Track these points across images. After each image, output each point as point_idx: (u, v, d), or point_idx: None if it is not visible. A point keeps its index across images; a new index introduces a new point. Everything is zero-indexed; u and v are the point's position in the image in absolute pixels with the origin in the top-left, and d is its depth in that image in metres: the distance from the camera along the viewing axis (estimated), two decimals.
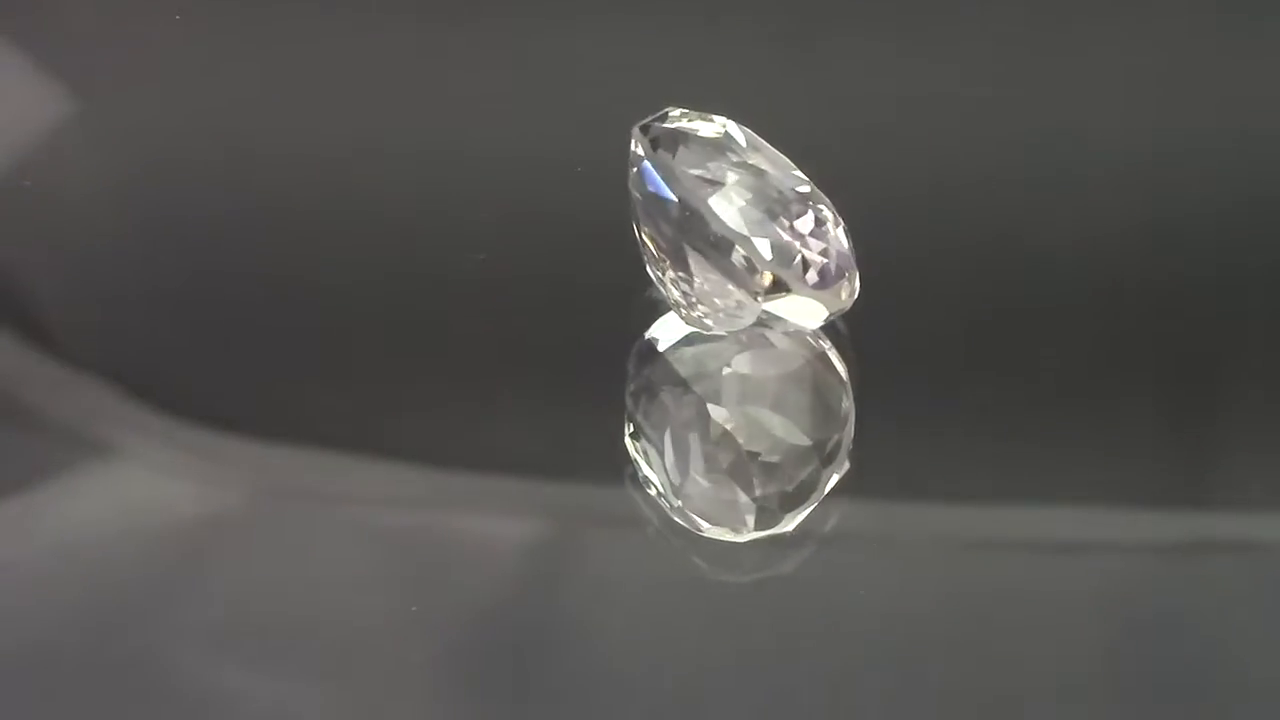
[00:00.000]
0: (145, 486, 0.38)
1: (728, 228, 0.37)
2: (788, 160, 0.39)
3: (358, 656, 0.34)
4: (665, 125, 0.39)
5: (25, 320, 0.42)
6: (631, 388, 0.39)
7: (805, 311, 0.38)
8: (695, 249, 0.38)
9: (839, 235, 0.38)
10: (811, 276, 0.37)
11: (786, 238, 0.37)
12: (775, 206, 0.38)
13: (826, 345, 0.39)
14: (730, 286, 0.38)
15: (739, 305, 0.38)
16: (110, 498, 0.38)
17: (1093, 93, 0.49)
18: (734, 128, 0.39)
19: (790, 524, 0.36)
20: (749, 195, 0.38)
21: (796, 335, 0.39)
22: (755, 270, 0.37)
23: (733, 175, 0.38)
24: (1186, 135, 0.47)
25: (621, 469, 0.38)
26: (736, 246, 0.37)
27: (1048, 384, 0.40)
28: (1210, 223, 0.44)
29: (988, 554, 0.37)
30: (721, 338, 0.39)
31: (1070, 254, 0.43)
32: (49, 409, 0.40)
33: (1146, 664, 0.35)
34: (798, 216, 0.37)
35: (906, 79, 0.49)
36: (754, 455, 0.37)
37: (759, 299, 0.38)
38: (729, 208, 0.37)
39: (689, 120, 0.39)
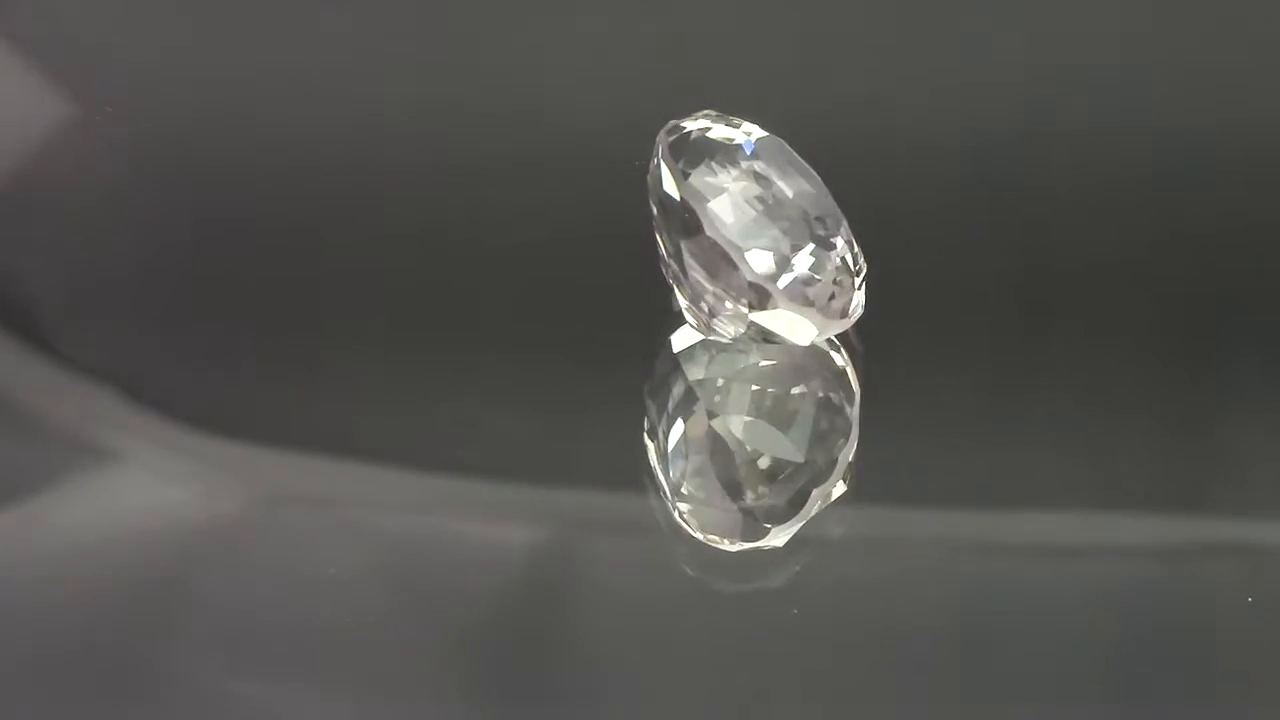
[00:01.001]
0: (144, 491, 0.39)
1: (721, 235, 0.37)
2: (816, 177, 0.38)
3: (358, 661, 0.34)
4: (693, 127, 0.39)
5: (24, 324, 0.42)
6: (648, 387, 0.39)
7: (795, 328, 0.38)
8: (692, 254, 0.38)
9: (845, 258, 0.38)
10: (798, 294, 0.37)
11: (780, 253, 0.37)
12: (779, 221, 0.37)
13: (844, 363, 0.39)
14: (722, 294, 0.38)
15: (732, 314, 0.38)
16: (109, 502, 0.38)
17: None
18: (764, 137, 0.39)
19: (779, 539, 0.36)
20: (756, 206, 0.38)
21: (816, 351, 0.39)
22: (744, 281, 0.37)
23: (743, 185, 0.38)
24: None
25: (636, 470, 0.38)
26: (729, 255, 0.37)
27: (1059, 406, 0.40)
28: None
29: (986, 576, 0.37)
30: (741, 346, 0.39)
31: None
32: (47, 413, 0.40)
33: (1148, 669, 0.35)
34: (800, 234, 0.37)
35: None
36: (749, 467, 0.37)
37: (746, 310, 0.37)
38: (728, 217, 0.37)
39: (721, 125, 0.39)
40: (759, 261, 0.37)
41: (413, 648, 0.35)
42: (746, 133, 0.39)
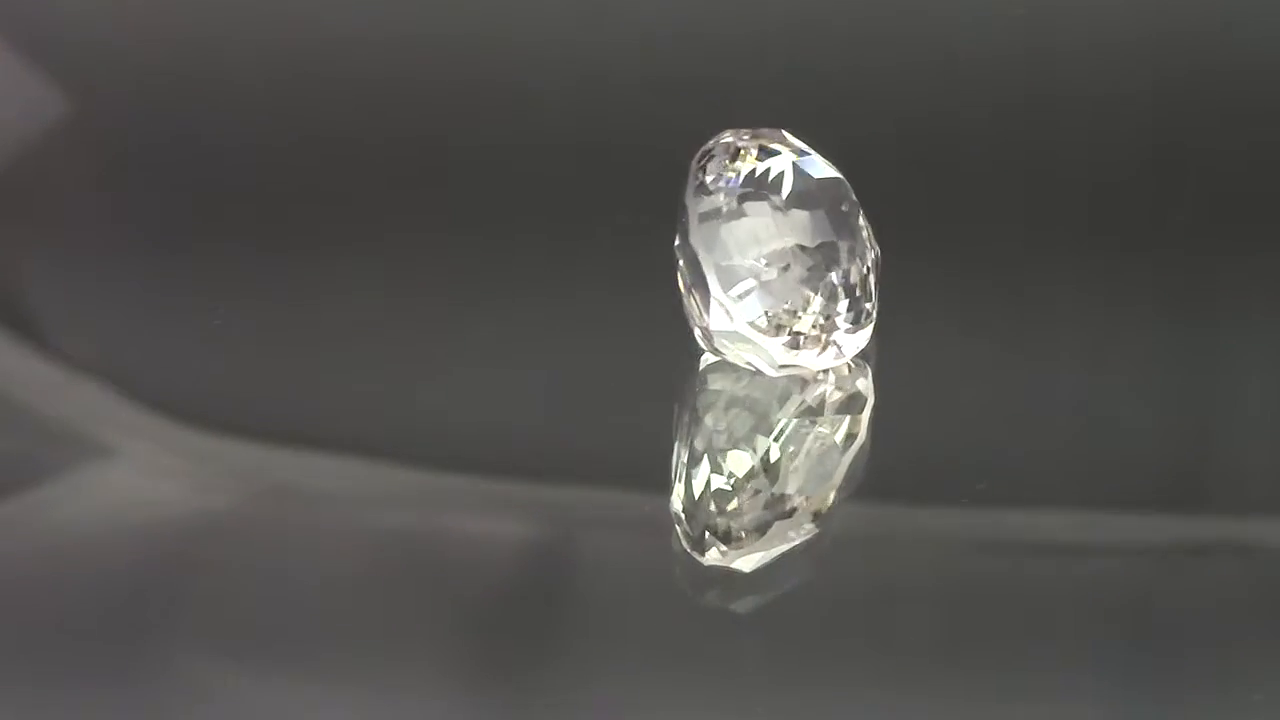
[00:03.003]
0: (141, 487, 0.38)
1: (702, 246, 0.37)
2: (856, 223, 0.38)
3: (356, 658, 0.34)
4: (740, 143, 0.38)
5: (21, 321, 0.42)
6: (677, 396, 0.39)
7: (754, 354, 0.38)
8: (684, 259, 0.38)
9: (834, 303, 0.37)
10: (759, 321, 0.37)
11: (752, 279, 0.37)
12: (774, 254, 0.37)
13: (865, 404, 0.39)
14: (699, 307, 0.38)
15: (705, 330, 0.38)
16: (106, 498, 0.38)
17: None
18: (819, 177, 0.38)
19: (746, 564, 0.36)
20: (754, 232, 0.37)
21: (844, 387, 0.39)
22: (709, 296, 0.37)
23: (755, 211, 0.37)
24: None
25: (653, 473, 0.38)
26: (702, 267, 0.37)
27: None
28: None
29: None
30: (765, 370, 0.39)
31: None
32: (44, 410, 0.41)
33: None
34: (790, 269, 0.37)
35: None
36: (732, 489, 0.37)
37: (707, 323, 0.38)
38: (718, 232, 0.37)
39: (780, 148, 0.38)
40: (728, 280, 0.37)
41: (411, 646, 0.35)
42: (796, 154, 0.38)
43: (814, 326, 0.37)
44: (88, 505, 0.38)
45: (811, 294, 0.37)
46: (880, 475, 0.38)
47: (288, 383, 0.41)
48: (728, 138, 0.38)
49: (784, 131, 0.39)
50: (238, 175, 0.47)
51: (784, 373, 0.38)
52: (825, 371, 0.39)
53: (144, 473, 0.39)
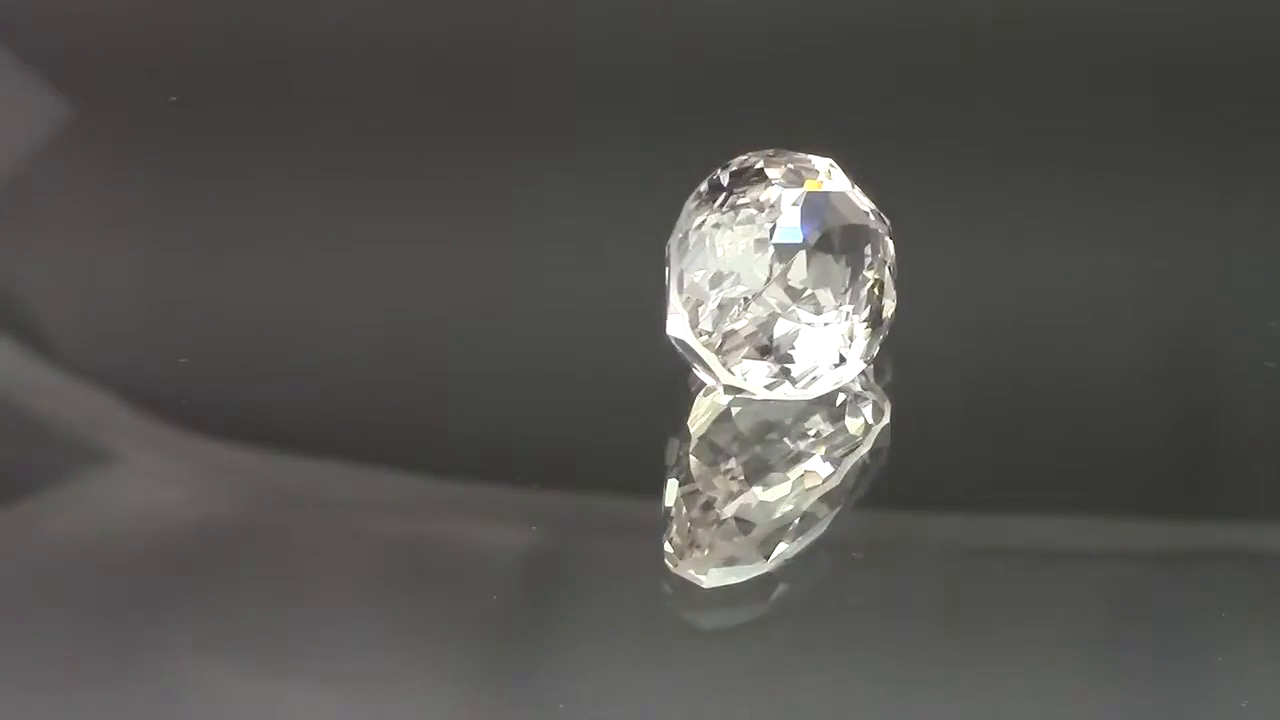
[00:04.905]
0: (145, 494, 0.38)
1: (676, 251, 0.37)
2: (870, 274, 0.37)
3: (355, 665, 0.34)
4: (769, 165, 0.37)
5: (25, 327, 0.42)
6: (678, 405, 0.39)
7: (702, 369, 0.38)
8: (666, 260, 0.38)
9: (791, 342, 0.37)
10: (701, 331, 0.37)
11: (704, 292, 0.37)
12: (742, 275, 0.37)
13: (857, 451, 0.38)
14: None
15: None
16: (108, 505, 0.38)
17: None
18: (846, 211, 0.37)
19: (709, 581, 0.36)
20: (728, 254, 0.37)
21: (841, 433, 0.38)
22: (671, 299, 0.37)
23: (742, 231, 0.37)
24: None
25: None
26: (670, 271, 0.37)
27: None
28: None
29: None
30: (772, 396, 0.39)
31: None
32: (49, 416, 0.41)
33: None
34: (753, 297, 0.37)
35: None
36: (708, 505, 0.37)
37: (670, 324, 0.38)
38: (690, 240, 0.37)
39: (820, 181, 0.37)
40: (688, 291, 0.37)
41: (411, 648, 0.35)
42: (815, 197, 0.37)
43: (761, 353, 0.37)
44: (89, 512, 0.38)
45: (773, 324, 0.37)
46: (864, 496, 0.37)
47: (289, 388, 0.41)
48: (760, 156, 0.37)
49: (832, 163, 0.37)
50: (239, 177, 0.47)
51: (729, 395, 0.38)
52: (835, 399, 0.39)
53: (146, 479, 0.39)
